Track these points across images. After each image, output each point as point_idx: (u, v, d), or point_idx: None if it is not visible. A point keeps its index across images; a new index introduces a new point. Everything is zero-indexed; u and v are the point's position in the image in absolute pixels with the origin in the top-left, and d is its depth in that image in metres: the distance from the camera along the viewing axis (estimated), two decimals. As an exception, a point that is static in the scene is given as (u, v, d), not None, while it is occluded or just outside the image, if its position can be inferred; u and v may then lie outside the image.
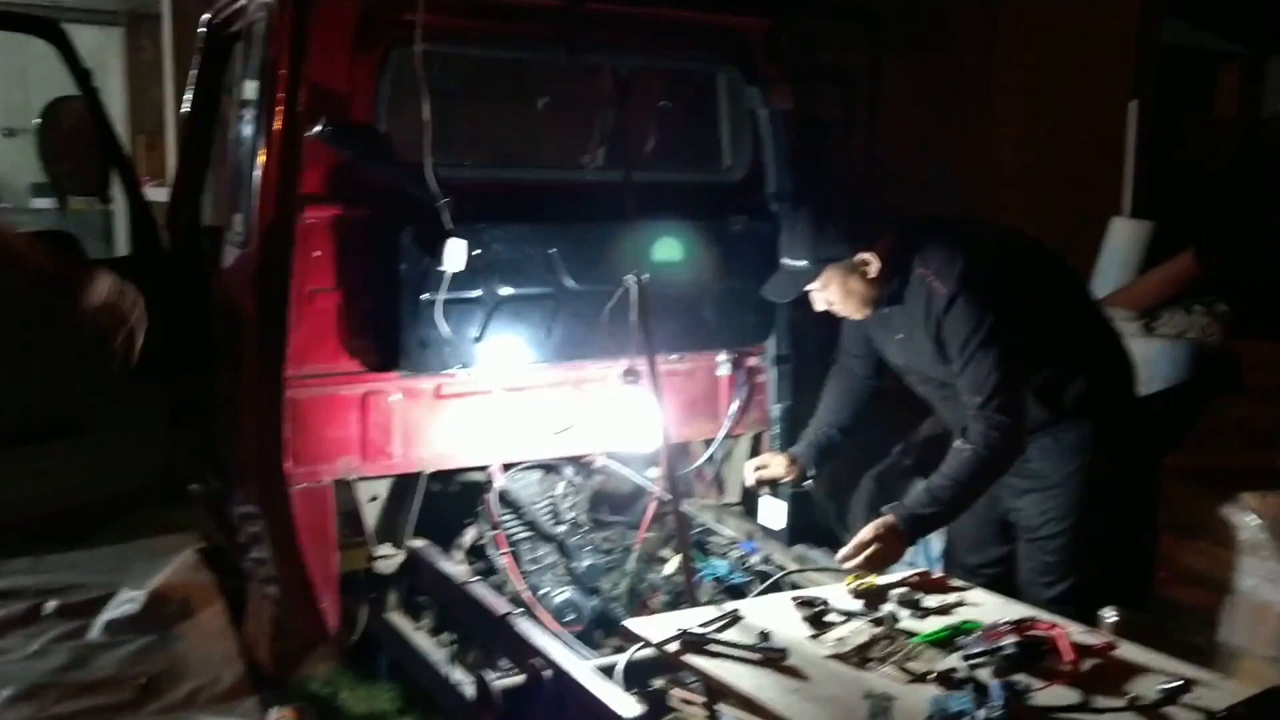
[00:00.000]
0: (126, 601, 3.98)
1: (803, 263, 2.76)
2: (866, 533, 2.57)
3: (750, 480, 3.18)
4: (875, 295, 2.78)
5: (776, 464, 3.13)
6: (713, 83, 3.55)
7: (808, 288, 2.79)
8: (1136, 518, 3.02)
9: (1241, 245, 5.25)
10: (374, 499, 3.13)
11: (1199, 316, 4.58)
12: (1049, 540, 2.81)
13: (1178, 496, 3.23)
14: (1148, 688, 1.89)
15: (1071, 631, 2.06)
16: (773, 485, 3.17)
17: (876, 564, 2.53)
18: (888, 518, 2.58)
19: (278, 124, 2.77)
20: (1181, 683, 1.88)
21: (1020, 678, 1.92)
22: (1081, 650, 2.01)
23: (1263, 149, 7.06)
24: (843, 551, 2.58)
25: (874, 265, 2.73)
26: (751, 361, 3.51)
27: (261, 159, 2.81)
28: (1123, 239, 5.11)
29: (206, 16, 3.63)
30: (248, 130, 2.96)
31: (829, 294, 2.79)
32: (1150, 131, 6.67)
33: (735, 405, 3.51)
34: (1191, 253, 4.57)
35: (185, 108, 3.77)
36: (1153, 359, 4.26)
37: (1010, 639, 2.00)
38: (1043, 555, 2.82)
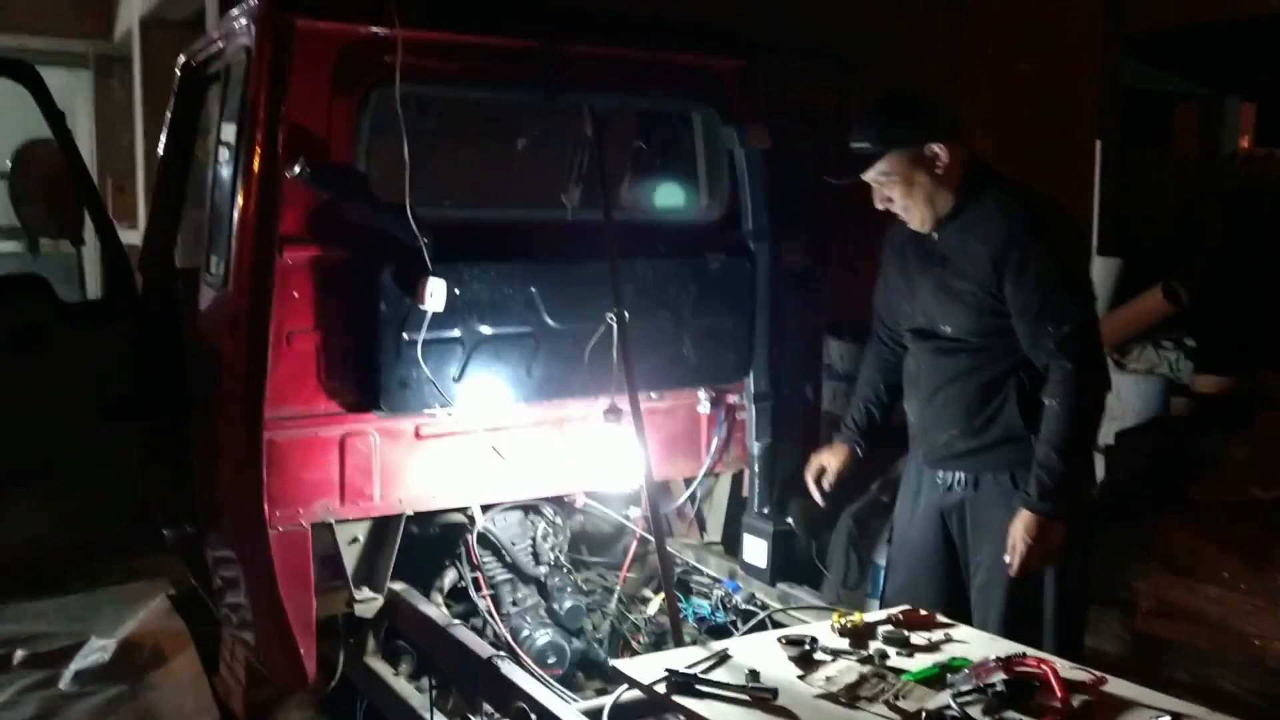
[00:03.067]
0: (97, 650, 3.90)
1: (868, 144, 2.63)
2: (1014, 535, 2.50)
3: (816, 492, 3.09)
4: (941, 199, 2.63)
5: (830, 459, 3.06)
6: (689, 123, 3.59)
7: (870, 176, 2.65)
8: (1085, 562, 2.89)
9: (1207, 282, 5.34)
10: (353, 541, 3.09)
11: (1168, 352, 4.65)
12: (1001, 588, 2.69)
13: (1158, 531, 3.27)
14: (1138, 723, 1.89)
15: (1060, 667, 2.06)
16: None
17: (1041, 559, 2.49)
18: (1023, 514, 2.51)
19: (256, 165, 2.76)
20: (1170, 718, 1.88)
21: (1012, 715, 1.91)
22: (1072, 686, 2.00)
23: (1222, 186, 7.20)
24: (1013, 568, 2.52)
25: (945, 159, 2.60)
26: (731, 399, 3.52)
27: (240, 200, 2.79)
28: (1092, 276, 5.19)
29: (182, 58, 3.63)
30: (226, 171, 2.95)
31: (892, 185, 2.64)
32: (1113, 170, 6.80)
33: (716, 443, 3.50)
34: (1159, 289, 4.65)
35: (160, 149, 3.75)
36: (1125, 394, 4.32)
37: (999, 676, 1.99)
38: (999, 603, 2.70)
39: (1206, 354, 4.76)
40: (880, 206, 2.72)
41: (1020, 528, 2.52)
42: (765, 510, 3.37)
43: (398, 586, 3.14)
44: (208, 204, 3.11)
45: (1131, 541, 3.29)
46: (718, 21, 3.66)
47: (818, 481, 3.09)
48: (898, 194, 2.66)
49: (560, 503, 3.43)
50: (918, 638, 2.31)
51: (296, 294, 2.83)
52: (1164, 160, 7.83)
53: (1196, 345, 4.78)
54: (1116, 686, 2.04)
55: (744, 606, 3.18)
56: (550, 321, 3.09)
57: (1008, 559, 2.55)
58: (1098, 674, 2.07)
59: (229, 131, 2.94)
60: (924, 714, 1.95)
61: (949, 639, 2.32)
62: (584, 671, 3.19)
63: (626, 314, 2.95)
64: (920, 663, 2.17)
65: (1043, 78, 7.03)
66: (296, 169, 2.68)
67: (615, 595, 3.33)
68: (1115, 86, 7.29)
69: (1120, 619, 3.27)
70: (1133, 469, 3.60)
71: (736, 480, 3.64)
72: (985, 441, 2.69)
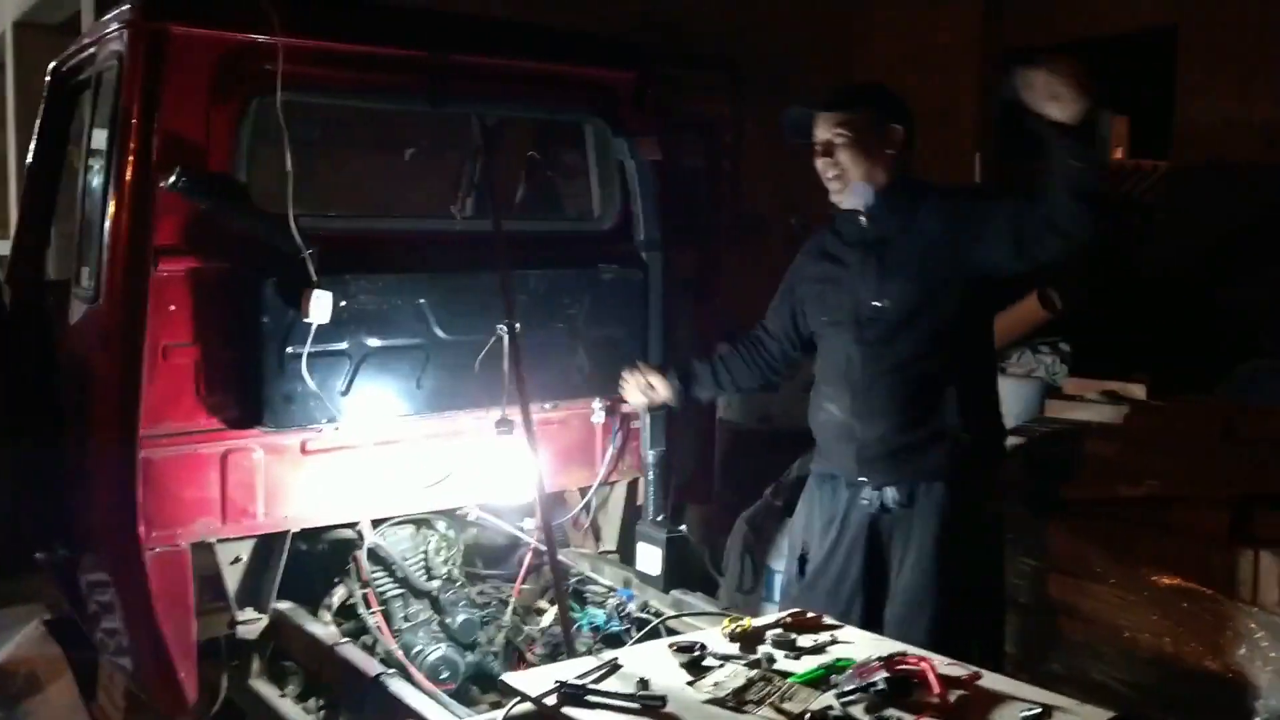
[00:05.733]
0: (-35, 680, 3.71)
1: (838, 97, 2.76)
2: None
3: (638, 400, 3.15)
4: (878, 175, 2.71)
5: (659, 386, 3.09)
6: (581, 133, 3.60)
7: (826, 133, 2.72)
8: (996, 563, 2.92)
9: (1081, 288, 5.56)
10: (236, 561, 3.01)
11: (1045, 356, 4.83)
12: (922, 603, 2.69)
13: (1033, 529, 3.39)
14: (1011, 716, 1.95)
15: (938, 664, 2.12)
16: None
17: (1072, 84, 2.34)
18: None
19: (129, 175, 2.67)
20: (1041, 710, 1.96)
21: (892, 712, 1.96)
22: (948, 682, 2.06)
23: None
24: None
25: (897, 143, 2.73)
26: (625, 408, 3.53)
27: (112, 211, 2.70)
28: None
29: (53, 64, 3.50)
30: (97, 181, 2.85)
31: (844, 146, 2.71)
32: (993, 181, 7.05)
33: (610, 452, 3.51)
34: (1035, 295, 4.82)
35: (30, 158, 3.60)
36: (1004, 398, 4.46)
37: (881, 675, 2.04)
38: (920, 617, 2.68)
39: (1081, 358, 4.97)
40: (820, 167, 2.77)
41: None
42: (659, 518, 3.39)
43: (284, 606, 3.06)
44: (79, 215, 3.00)
45: (1008, 540, 3.39)
46: (609, 33, 3.69)
47: (631, 380, 3.13)
48: (846, 156, 2.72)
49: (453, 516, 3.39)
50: (805, 640, 2.35)
51: (173, 307, 2.75)
52: (1041, 172, 8.13)
53: (1071, 350, 4.97)
54: (991, 681, 2.11)
55: (638, 615, 3.19)
56: (440, 333, 3.06)
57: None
58: (974, 669, 2.13)
59: (100, 139, 2.85)
60: (808, 715, 1.98)
61: (835, 641, 2.37)
62: (479, 685, 3.16)
63: (518, 325, 2.94)
64: (807, 665, 2.21)
65: (925, 90, 7.25)
66: (172, 179, 2.61)
67: (510, 607, 3.31)
68: (995, 101, 7.57)
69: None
70: (1010, 470, 3.72)
71: (631, 489, 3.66)
72: (918, 438, 2.68)
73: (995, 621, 2.83)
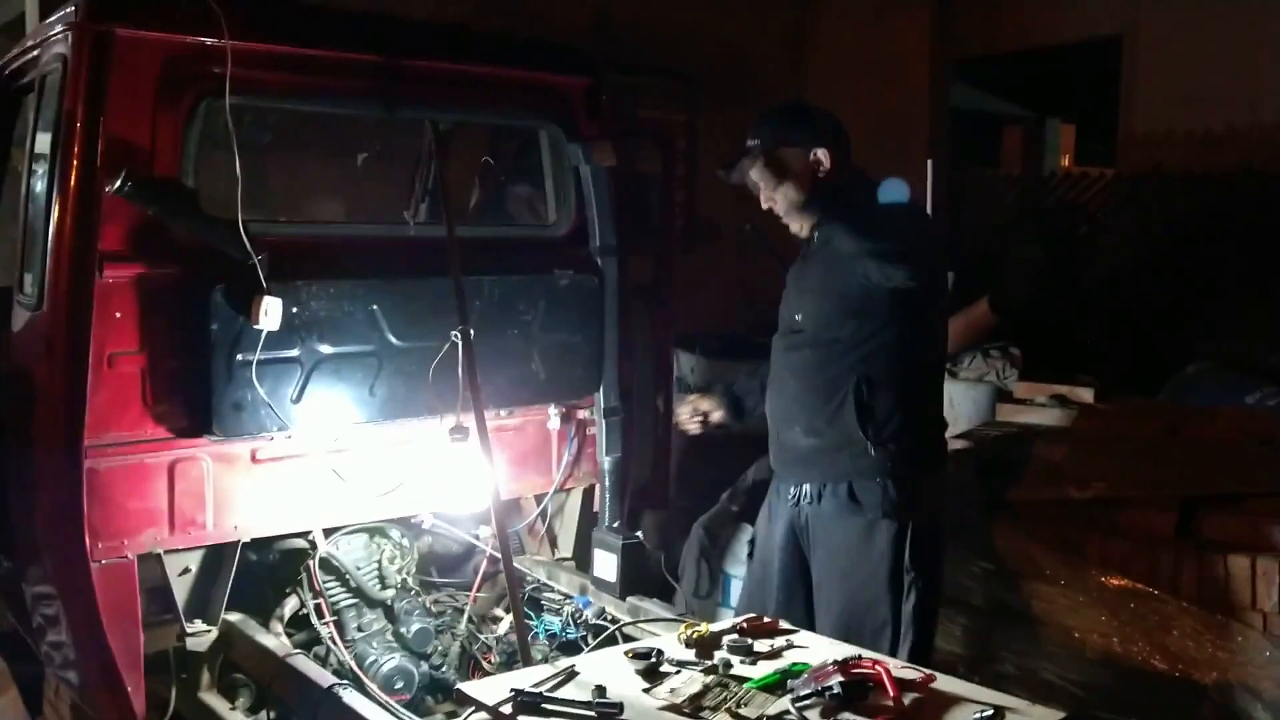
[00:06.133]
0: (-97, 698, 3.61)
1: (759, 141, 2.76)
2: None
3: (695, 428, 3.16)
4: (816, 200, 2.75)
5: (711, 408, 3.13)
6: (536, 139, 3.59)
7: (755, 175, 2.76)
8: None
9: (1029, 293, 5.65)
10: (184, 572, 2.95)
11: (995, 360, 4.90)
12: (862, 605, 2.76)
13: (984, 531, 3.43)
14: (964, 717, 1.98)
15: (893, 667, 2.14)
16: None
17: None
18: None
19: (73, 179, 2.62)
20: (993, 711, 1.98)
21: (847, 716, 1.97)
22: (903, 685, 2.08)
23: (1043, 204, 7.65)
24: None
25: (827, 165, 2.74)
26: (582, 414, 3.52)
27: (56, 216, 2.64)
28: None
29: (-6, 65, 3.42)
30: (41, 185, 2.79)
31: (773, 185, 2.76)
32: (944, 187, 7.14)
33: (566, 459, 3.50)
34: (986, 301, 4.89)
35: (-30, 161, 3.52)
36: (956, 400, 4.53)
37: (836, 679, 2.05)
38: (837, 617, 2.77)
39: (1031, 362, 5.05)
40: (765, 206, 2.83)
41: None
42: (616, 525, 3.39)
43: (234, 617, 3.02)
44: (21, 220, 2.94)
45: (961, 542, 3.44)
46: (564, 39, 3.68)
47: (690, 412, 3.15)
48: (779, 194, 2.77)
49: (407, 524, 3.36)
50: (761, 645, 2.36)
51: (119, 314, 2.69)
52: (991, 178, 8.27)
53: (1021, 353, 5.05)
54: (945, 683, 2.13)
55: (594, 622, 3.18)
56: (394, 339, 3.03)
57: None
58: (927, 672, 2.15)
59: (44, 143, 2.78)
60: (764, 719, 1.99)
61: (791, 645, 2.38)
62: (434, 695, 3.14)
63: (472, 331, 2.93)
64: (763, 670, 2.22)
65: (878, 98, 7.34)
66: (118, 183, 2.56)
67: (465, 616, 3.28)
68: (945, 108, 7.68)
69: (951, 617, 3.41)
70: (961, 472, 3.77)
71: (588, 495, 3.65)
72: (825, 443, 2.77)
73: (927, 618, 2.85)
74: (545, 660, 2.66)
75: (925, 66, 7.52)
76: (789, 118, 2.85)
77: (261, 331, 2.74)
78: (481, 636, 3.26)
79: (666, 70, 6.66)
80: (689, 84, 6.95)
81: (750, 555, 3.11)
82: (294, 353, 2.86)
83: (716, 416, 3.16)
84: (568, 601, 3.31)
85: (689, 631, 2.40)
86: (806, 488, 2.82)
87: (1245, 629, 2.98)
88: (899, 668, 2.16)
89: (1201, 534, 3.16)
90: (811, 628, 2.75)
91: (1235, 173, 6.27)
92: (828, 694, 2.01)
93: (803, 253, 2.89)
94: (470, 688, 2.22)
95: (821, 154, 2.76)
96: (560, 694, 2.11)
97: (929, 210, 5.36)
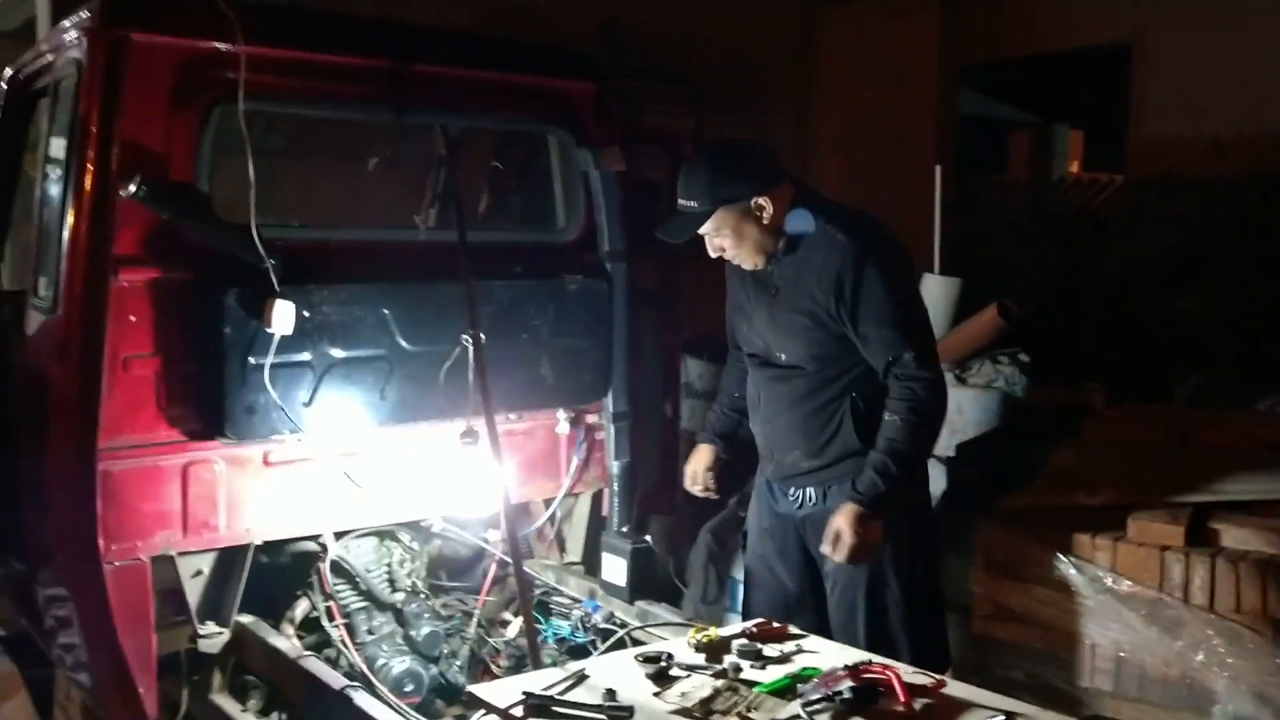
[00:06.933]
0: (-86, 700, 3.62)
1: (696, 204, 2.69)
2: (840, 525, 2.58)
3: (705, 494, 3.14)
4: (770, 243, 2.72)
5: (699, 463, 3.10)
6: (545, 144, 3.60)
7: (702, 230, 2.71)
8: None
9: (1037, 300, 5.64)
10: (197, 574, 2.97)
11: (1005, 366, 4.89)
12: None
13: (994, 537, 3.42)
14: (975, 722, 1.98)
15: (903, 672, 2.14)
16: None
17: (863, 552, 2.59)
18: (850, 506, 2.59)
19: (88, 183, 2.64)
20: (1004, 717, 1.98)
21: (857, 720, 1.98)
22: (913, 690, 2.08)
23: (1051, 210, 7.65)
24: (825, 549, 2.62)
25: (770, 210, 2.69)
26: (590, 419, 3.53)
27: (70, 220, 2.66)
28: (934, 294, 5.42)
29: (9, 71, 3.44)
30: (56, 190, 2.81)
31: (723, 238, 2.71)
32: (952, 194, 7.14)
33: (575, 463, 3.51)
34: (994, 307, 4.89)
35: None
36: (965, 407, 4.53)
37: (846, 683, 2.05)
38: (862, 612, 2.78)
39: (1039, 368, 5.04)
40: (714, 255, 2.79)
41: (844, 520, 2.61)
42: (624, 529, 3.39)
43: (246, 619, 3.03)
44: (36, 224, 2.96)
45: (970, 549, 3.44)
46: (571, 45, 3.70)
47: (697, 487, 3.13)
48: (729, 244, 2.74)
49: (417, 527, 3.37)
50: (770, 650, 2.36)
51: (133, 318, 2.71)
52: (998, 185, 8.27)
53: (1030, 360, 5.05)
54: (955, 689, 2.13)
55: (603, 626, 3.19)
56: (404, 344, 3.05)
57: (826, 549, 2.64)
58: (938, 677, 2.15)
59: (59, 148, 2.80)
60: (775, 724, 1.99)
61: (800, 650, 2.38)
62: (444, 698, 3.14)
63: (483, 336, 2.94)
64: (772, 674, 2.22)
65: (886, 105, 7.35)
66: (132, 188, 2.58)
67: (474, 619, 3.29)
68: (953, 115, 7.69)
69: (960, 623, 3.41)
70: (971, 479, 3.77)
71: (596, 500, 3.65)
72: (827, 460, 2.79)
73: (929, 615, 2.88)
74: (554, 664, 2.67)
75: (933, 72, 7.53)
76: (718, 174, 2.70)
77: (274, 335, 2.75)
78: (490, 640, 3.27)
79: (673, 76, 6.67)
80: (695, 90, 6.96)
81: (743, 548, 3.11)
82: (306, 356, 2.88)
83: (714, 472, 3.11)
84: (576, 605, 3.32)
85: (698, 635, 2.40)
86: (810, 490, 2.84)
87: (1256, 636, 2.97)
88: (910, 673, 2.16)
89: (1212, 540, 3.15)
90: (827, 621, 2.82)
91: (1244, 179, 6.27)
92: (838, 699, 2.02)
93: (760, 277, 2.82)
94: (481, 690, 2.23)
95: (763, 201, 2.69)
96: (570, 697, 2.12)
97: (936, 216, 5.40)
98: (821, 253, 2.69)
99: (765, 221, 2.71)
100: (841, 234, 2.67)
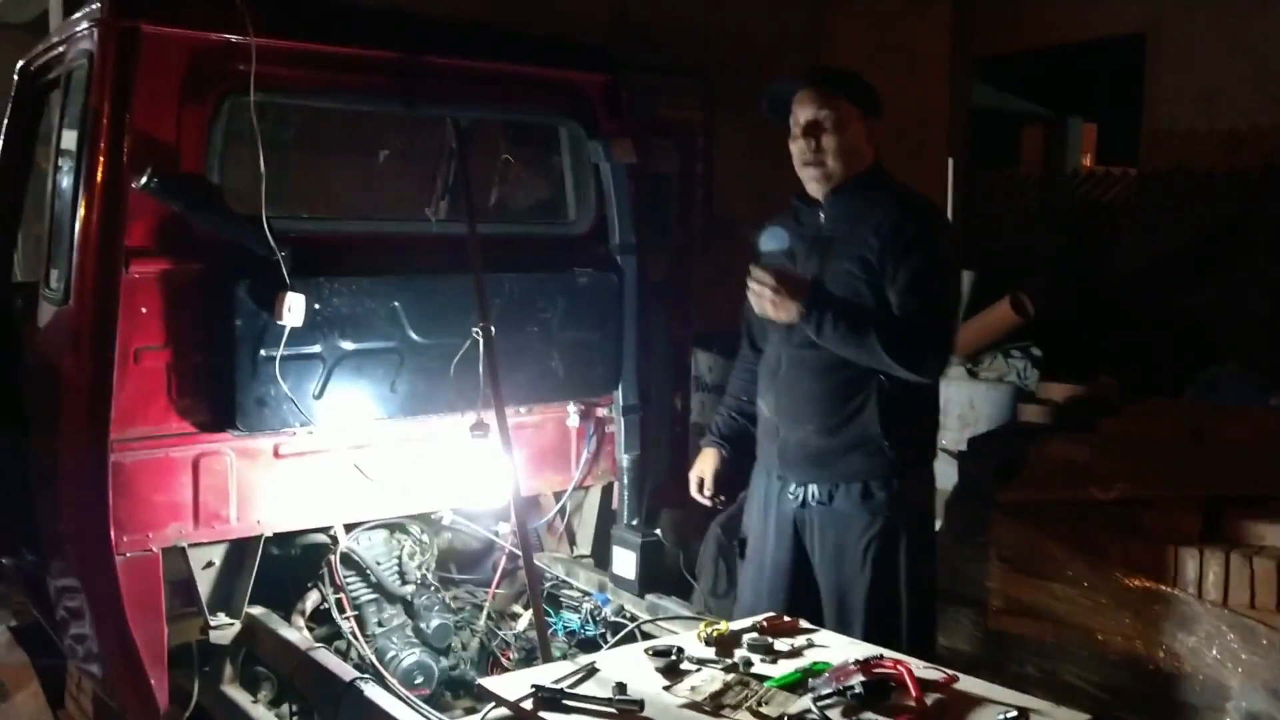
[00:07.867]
0: (-72, 689, 3.64)
1: (831, 86, 2.73)
2: (780, 290, 2.61)
3: (707, 502, 3.10)
4: (854, 161, 2.72)
5: (704, 468, 3.05)
6: (556, 136, 3.59)
7: (813, 114, 2.71)
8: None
9: (1050, 294, 5.61)
10: (208, 566, 2.98)
11: (1016, 361, 4.88)
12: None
13: (1008, 532, 3.41)
14: (988, 718, 1.97)
15: (915, 667, 2.13)
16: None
17: (773, 309, 2.63)
18: (798, 305, 2.61)
19: (100, 175, 2.63)
20: (1017, 712, 1.97)
21: (869, 715, 1.96)
22: (925, 685, 2.07)
23: (1064, 203, 7.61)
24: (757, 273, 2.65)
25: (876, 137, 2.77)
26: (600, 412, 3.53)
27: (82, 211, 2.66)
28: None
29: (21, 63, 3.45)
30: (67, 181, 2.81)
31: (830, 125, 2.70)
32: (965, 186, 7.11)
33: (585, 456, 3.51)
34: (1007, 301, 4.87)
35: (-4, 157, 3.54)
36: (977, 401, 4.51)
37: (858, 678, 2.04)
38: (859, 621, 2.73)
39: (1052, 362, 5.02)
40: (799, 141, 2.75)
41: (792, 282, 2.63)
42: (634, 522, 3.39)
43: (256, 611, 3.04)
44: (48, 216, 2.96)
45: (984, 544, 3.42)
46: (583, 37, 3.68)
47: (703, 493, 3.07)
48: (829, 137, 2.71)
49: (427, 520, 3.37)
50: (781, 644, 2.35)
51: (144, 309, 2.72)
52: (1011, 178, 8.22)
53: (1042, 354, 5.03)
54: (967, 684, 2.12)
55: (613, 619, 3.19)
56: (415, 336, 3.05)
57: (753, 298, 2.67)
58: (950, 672, 2.14)
59: (70, 140, 2.80)
60: (785, 718, 1.99)
61: (811, 644, 2.38)
62: (453, 690, 3.14)
63: (493, 328, 2.93)
64: (783, 669, 2.21)
65: (897, 97, 7.29)
66: (143, 179, 2.58)
67: (484, 612, 3.29)
68: (965, 108, 7.64)
69: (973, 618, 3.40)
70: (982, 473, 3.75)
71: (606, 493, 3.65)
72: (839, 443, 2.70)
73: (925, 614, 2.83)
74: (564, 657, 2.67)
75: (945, 65, 7.47)
76: (858, 78, 2.80)
77: (285, 327, 2.76)
78: (500, 633, 3.27)
79: (684, 69, 6.66)
80: (706, 83, 6.94)
81: (742, 555, 3.01)
82: (316, 349, 2.88)
83: (709, 475, 3.06)
84: (586, 598, 3.32)
85: (709, 629, 2.40)
86: (814, 488, 2.75)
87: (1271, 631, 2.96)
88: (921, 668, 2.15)
89: (1227, 535, 3.13)
90: (818, 624, 2.71)
91: (1259, 171, 6.22)
92: (849, 693, 2.01)
93: (812, 233, 2.78)
94: (491, 683, 2.23)
95: (879, 124, 2.77)
96: (581, 690, 2.11)
97: (949, 209, 5.37)
98: (883, 207, 2.69)
99: (866, 140, 2.75)
100: (912, 197, 2.73)
